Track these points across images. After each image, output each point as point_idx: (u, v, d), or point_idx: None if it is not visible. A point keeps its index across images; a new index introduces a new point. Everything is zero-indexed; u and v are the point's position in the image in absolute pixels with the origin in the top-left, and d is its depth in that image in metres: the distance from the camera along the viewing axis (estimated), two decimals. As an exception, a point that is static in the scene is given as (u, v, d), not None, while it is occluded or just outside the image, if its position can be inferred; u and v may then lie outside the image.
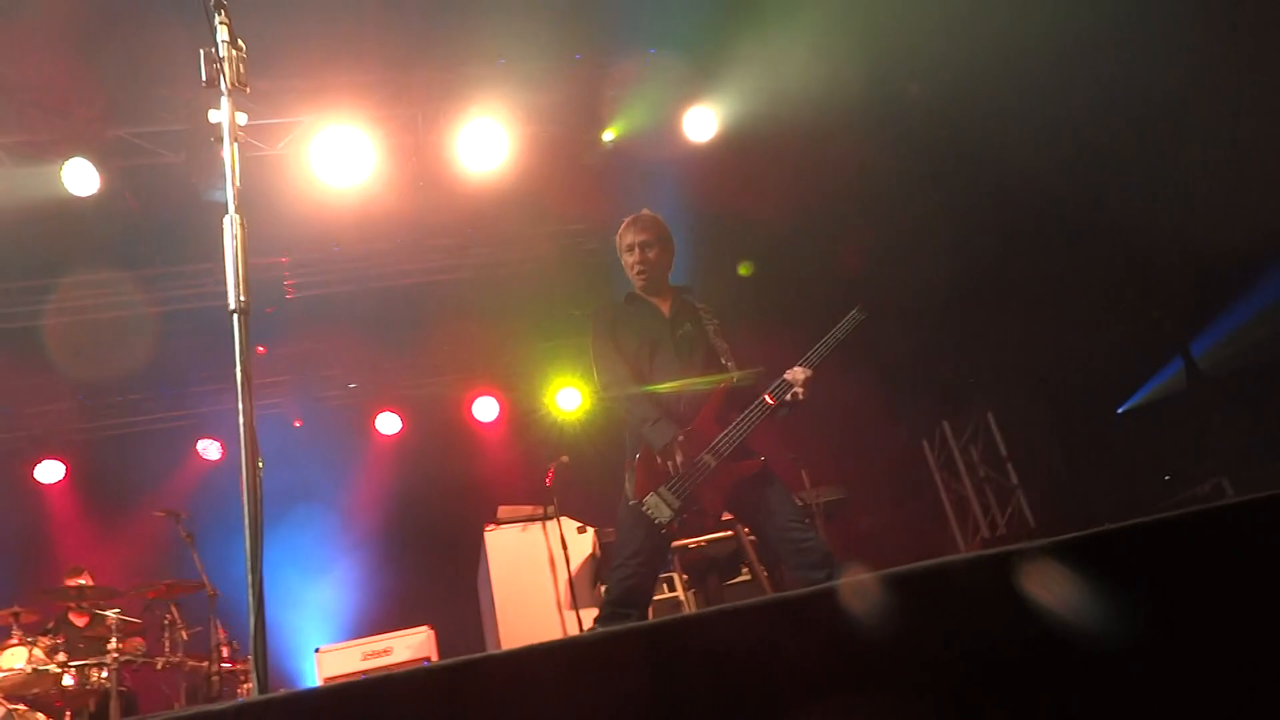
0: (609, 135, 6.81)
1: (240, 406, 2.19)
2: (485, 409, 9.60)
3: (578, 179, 7.23)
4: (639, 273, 3.70)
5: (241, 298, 2.31)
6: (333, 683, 5.73)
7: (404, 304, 8.12)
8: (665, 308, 3.70)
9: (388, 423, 9.35)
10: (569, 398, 9.31)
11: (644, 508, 3.32)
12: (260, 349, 8.45)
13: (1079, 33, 5.52)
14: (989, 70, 5.89)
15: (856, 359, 3.71)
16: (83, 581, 6.19)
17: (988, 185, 6.64)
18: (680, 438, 3.32)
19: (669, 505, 3.32)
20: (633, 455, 3.44)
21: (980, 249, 7.06)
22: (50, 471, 8.62)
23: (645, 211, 3.80)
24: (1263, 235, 5.35)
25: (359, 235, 7.54)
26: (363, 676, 5.96)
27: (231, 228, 2.37)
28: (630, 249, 3.71)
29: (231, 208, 2.40)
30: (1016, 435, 8.09)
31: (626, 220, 3.77)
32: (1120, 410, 6.97)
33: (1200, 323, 5.98)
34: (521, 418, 9.60)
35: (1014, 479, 8.13)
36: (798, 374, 3.46)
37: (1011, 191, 6.51)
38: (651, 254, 3.70)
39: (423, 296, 8.22)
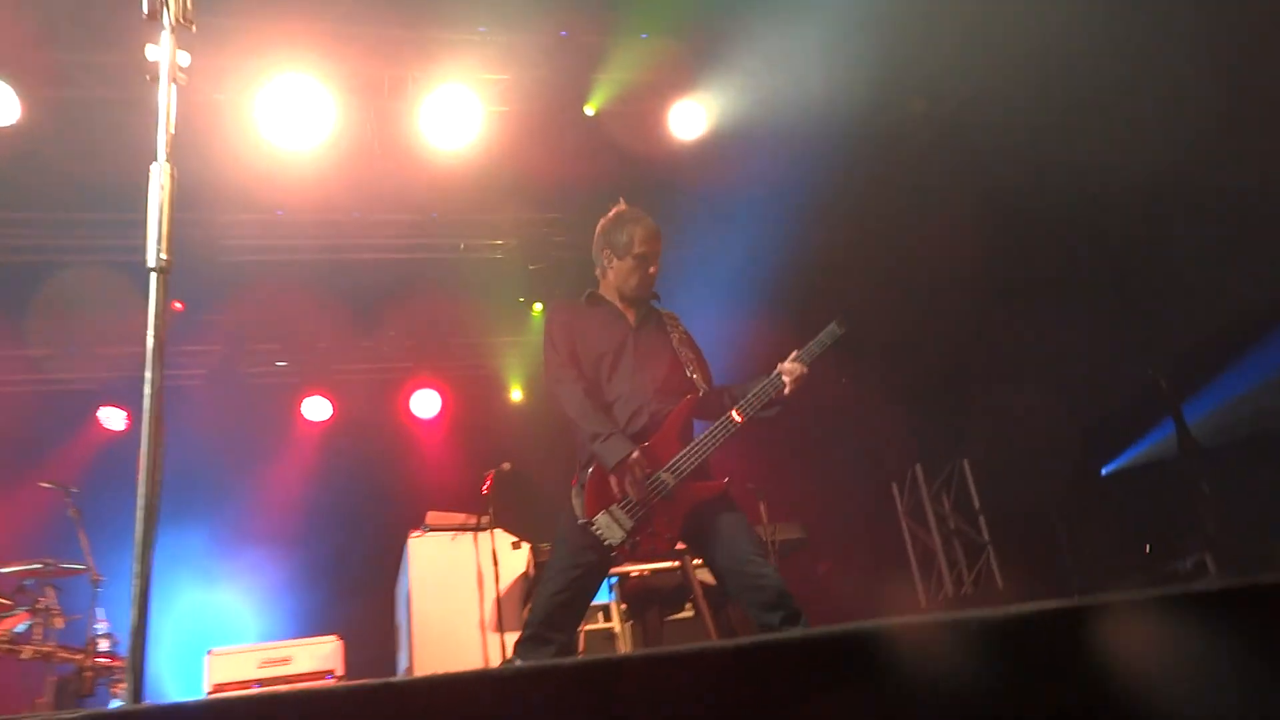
0: (590, 111, 6.80)
1: (149, 375, 2.12)
2: (426, 403, 9.59)
3: (553, 165, 7.24)
4: (641, 284, 3.67)
5: (162, 255, 2.25)
6: (218, 694, 5.71)
7: (348, 281, 8.10)
8: (631, 314, 3.71)
9: (316, 407, 9.28)
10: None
11: (594, 528, 3.32)
12: (177, 304, 8.27)
13: (1102, 69, 5.61)
14: (1002, 94, 5.97)
15: (829, 385, 3.72)
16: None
17: (987, 215, 6.71)
18: (635, 455, 3.31)
19: (621, 526, 3.31)
20: (583, 471, 3.43)
21: (971, 284, 7.13)
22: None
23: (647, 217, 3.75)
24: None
25: (306, 201, 7.45)
26: (256, 687, 5.87)
27: (159, 176, 2.31)
28: (643, 258, 3.66)
29: (162, 155, 2.33)
30: (992, 488, 8.16)
31: (636, 215, 3.71)
32: (1104, 471, 7.04)
33: (1198, 385, 6.06)
34: (464, 416, 9.59)
35: (985, 535, 8.20)
36: (794, 368, 3.47)
37: (1010, 225, 6.57)
38: (656, 269, 3.70)
39: (369, 275, 8.21)
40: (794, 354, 3.54)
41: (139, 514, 2.01)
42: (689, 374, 3.57)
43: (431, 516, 6.50)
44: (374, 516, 8.23)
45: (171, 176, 2.33)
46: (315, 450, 9.25)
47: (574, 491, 3.43)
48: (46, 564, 5.57)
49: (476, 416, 9.52)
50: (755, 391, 3.47)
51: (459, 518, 6.48)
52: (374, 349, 9.49)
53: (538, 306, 9.20)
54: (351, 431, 9.22)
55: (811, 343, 3.54)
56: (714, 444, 3.42)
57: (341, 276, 8.06)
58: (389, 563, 7.06)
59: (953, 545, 8.48)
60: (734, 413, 3.46)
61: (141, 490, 2.03)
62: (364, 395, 9.48)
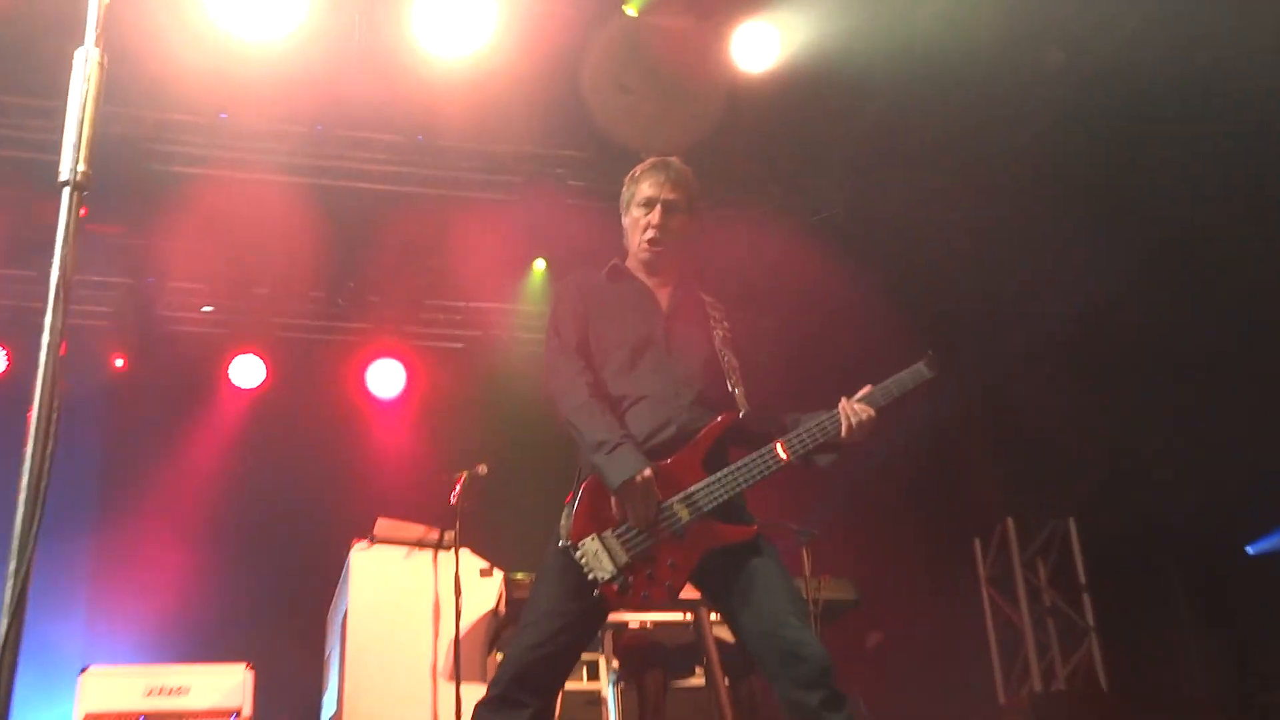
0: (630, 11, 6.79)
1: (49, 320, 2.13)
2: (387, 377, 9.64)
3: (577, 91, 7.22)
4: (651, 241, 3.72)
5: (80, 167, 2.25)
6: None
7: (302, 212, 8.06)
8: (663, 296, 3.73)
9: (247, 370, 9.34)
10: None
11: (578, 553, 3.31)
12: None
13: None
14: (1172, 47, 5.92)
15: (905, 407, 3.71)
16: None
17: (1133, 205, 6.71)
18: (646, 473, 3.29)
19: (613, 559, 3.29)
20: (579, 484, 3.44)
21: (1100, 292, 7.13)
22: None
23: (676, 160, 3.78)
24: None
25: (260, 105, 7.46)
26: (140, 720, 5.91)
27: (85, 67, 2.31)
28: (648, 204, 3.72)
29: (90, 39, 2.33)
30: (1103, 557, 8.17)
31: (649, 162, 3.78)
32: (1251, 550, 7.03)
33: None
34: (435, 399, 9.64)
35: (1090, 618, 8.19)
36: (858, 411, 3.48)
37: (1162, 218, 6.59)
38: (675, 221, 3.72)
39: (330, 206, 8.21)
40: (865, 389, 3.55)
41: (22, 496, 2.01)
42: (730, 386, 3.57)
43: (382, 525, 6.50)
44: (309, 517, 8.26)
45: (101, 66, 2.33)
46: (240, 424, 9.31)
47: (565, 510, 3.43)
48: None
49: (451, 401, 9.54)
50: (808, 427, 3.48)
51: (417, 530, 6.48)
52: (326, 302, 9.52)
53: (539, 264, 9.24)
54: (289, 405, 9.25)
55: (890, 381, 3.56)
56: (747, 481, 3.43)
57: (294, 205, 8.02)
58: (323, 578, 7.09)
59: (1045, 626, 8.48)
60: (779, 446, 3.46)
61: (28, 466, 2.03)
62: (309, 360, 9.53)
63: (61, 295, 2.16)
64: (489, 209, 8.48)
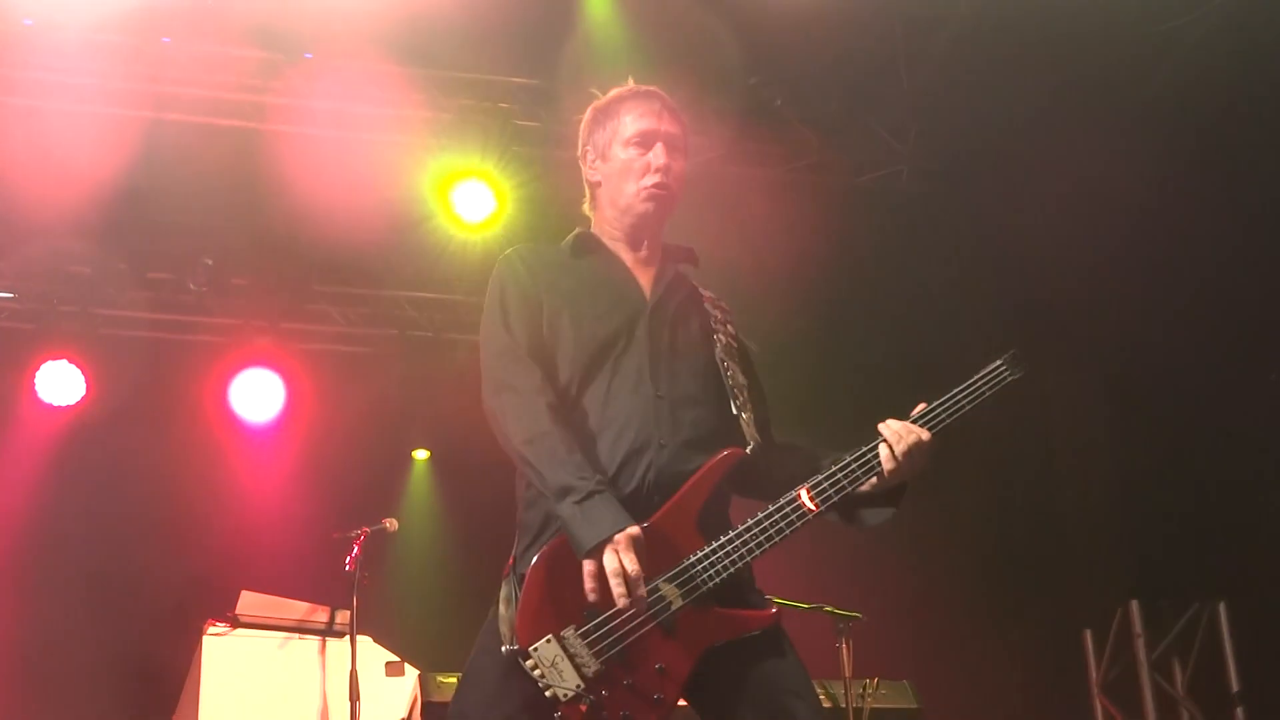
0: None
1: None
2: (257, 393, 9.67)
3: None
4: (658, 186, 3.73)
5: None
6: None
7: (140, 159, 8.06)
8: (646, 278, 3.75)
9: (60, 381, 9.31)
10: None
11: (528, 662, 3.26)
12: None
13: None
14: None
15: (974, 439, 3.72)
16: None
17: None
18: (635, 532, 3.26)
19: (578, 669, 3.26)
20: (527, 551, 3.42)
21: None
22: None
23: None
24: None
25: (83, 10, 7.43)
26: None
27: None
28: (643, 140, 3.74)
29: None
30: (1266, 656, 8.11)
31: (629, 89, 3.83)
32: None
33: None
34: (325, 425, 9.67)
35: (1247, 734, 8.18)
36: (907, 433, 3.43)
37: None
38: (678, 163, 3.75)
39: (182, 153, 8.19)
40: (921, 407, 3.53)
41: None
42: (735, 408, 3.59)
43: (248, 601, 6.53)
44: (145, 587, 8.32)
45: None
46: (52, 454, 9.28)
47: (503, 590, 3.42)
48: None
49: (349, 428, 9.56)
50: (842, 467, 3.46)
51: (297, 608, 6.54)
52: (174, 288, 9.51)
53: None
54: (120, 429, 9.25)
55: (958, 391, 3.54)
56: (761, 545, 3.41)
57: (130, 150, 8.00)
58: (164, 673, 7.15)
59: None
60: (803, 493, 3.43)
61: None
62: (148, 369, 9.51)
63: None
64: (406, 157, 8.52)
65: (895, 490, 3.47)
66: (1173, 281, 7.82)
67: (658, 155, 3.70)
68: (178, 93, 8.01)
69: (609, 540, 3.22)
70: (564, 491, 3.28)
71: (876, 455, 3.43)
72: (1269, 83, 6.91)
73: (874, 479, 3.44)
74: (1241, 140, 7.22)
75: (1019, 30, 7.21)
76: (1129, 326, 8.12)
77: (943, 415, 3.48)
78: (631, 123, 3.75)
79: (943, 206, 8.36)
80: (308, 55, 8.05)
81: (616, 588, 3.22)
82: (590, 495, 3.27)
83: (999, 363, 3.53)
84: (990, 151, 8.05)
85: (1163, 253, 7.78)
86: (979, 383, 3.51)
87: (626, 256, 3.76)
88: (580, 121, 3.90)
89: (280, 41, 7.90)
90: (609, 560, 3.22)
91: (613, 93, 3.85)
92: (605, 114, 3.81)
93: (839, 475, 3.42)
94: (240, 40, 7.89)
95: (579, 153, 3.88)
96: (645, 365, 3.55)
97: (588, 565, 3.24)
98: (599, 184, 3.81)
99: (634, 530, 3.25)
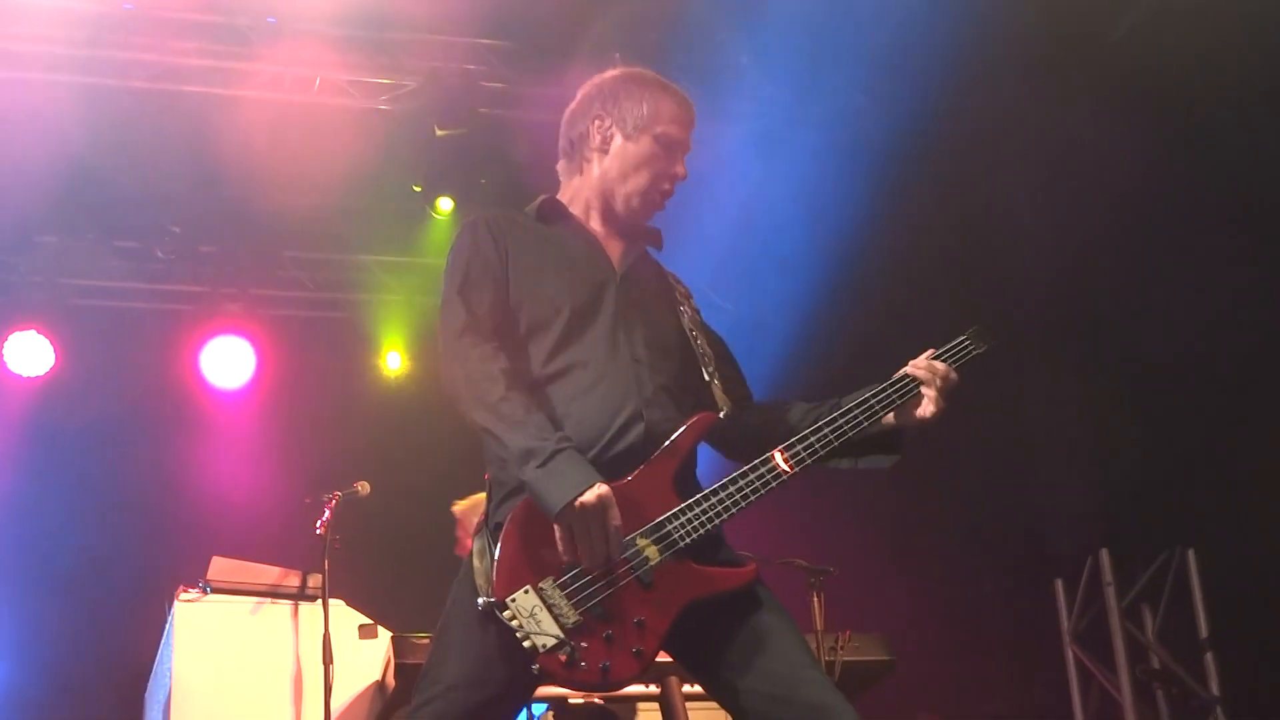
0: None
1: None
2: (227, 360, 9.64)
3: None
4: (650, 194, 3.78)
5: None
6: None
7: (103, 127, 8.03)
8: (614, 250, 3.78)
9: (27, 352, 9.25)
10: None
11: (505, 613, 3.25)
12: None
13: None
14: None
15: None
16: None
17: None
18: (603, 490, 3.27)
19: (557, 619, 3.25)
20: (497, 509, 3.45)
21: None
22: None
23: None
24: None
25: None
26: None
27: None
28: (671, 145, 3.77)
29: None
30: (1235, 602, 8.17)
31: (677, 93, 3.85)
32: None
33: None
34: (295, 391, 9.68)
35: (1215, 685, 8.23)
36: (940, 371, 3.52)
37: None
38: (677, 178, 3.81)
39: (143, 121, 8.19)
40: (929, 353, 3.59)
41: None
42: (706, 374, 3.65)
43: (219, 566, 6.49)
44: (116, 553, 8.31)
45: None
46: (20, 426, 9.24)
47: (476, 544, 3.42)
48: None
49: (318, 393, 9.58)
50: (821, 427, 3.50)
51: (269, 573, 6.51)
52: (142, 256, 9.50)
53: (445, 205, 9.18)
54: (89, 399, 9.20)
55: (942, 350, 3.60)
56: (736, 505, 3.44)
57: (92, 119, 7.97)
58: (136, 639, 7.15)
59: (1153, 698, 8.47)
60: (778, 454, 3.47)
61: None
62: (117, 338, 9.49)
63: None
64: (372, 122, 8.50)
65: (895, 436, 3.56)
66: (1146, 231, 7.86)
67: (681, 168, 3.77)
68: (140, 58, 7.95)
69: (579, 499, 3.22)
70: (526, 455, 3.30)
71: (906, 391, 3.51)
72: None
73: (882, 422, 3.51)
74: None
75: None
76: (1097, 280, 8.17)
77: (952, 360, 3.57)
78: (671, 122, 3.76)
79: (915, 163, 8.33)
80: (271, 20, 7.95)
81: (588, 547, 3.25)
82: (553, 455, 3.30)
83: (963, 338, 3.61)
84: (962, 104, 8.02)
85: (1125, 202, 7.85)
86: (944, 355, 3.58)
87: (596, 228, 3.78)
88: (580, 81, 3.89)
89: (244, 6, 7.84)
90: (578, 522, 3.23)
91: (651, 74, 3.87)
92: (645, 92, 3.80)
93: (812, 439, 3.47)
94: (200, 7, 7.83)
95: (585, 109, 3.84)
96: (620, 332, 3.59)
97: (559, 528, 3.26)
98: (607, 153, 3.79)
99: (602, 488, 3.25)
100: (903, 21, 7.52)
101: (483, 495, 6.40)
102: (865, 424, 3.49)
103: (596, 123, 3.80)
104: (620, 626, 3.29)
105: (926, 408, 3.46)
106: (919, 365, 3.51)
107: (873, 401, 3.49)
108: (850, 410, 3.49)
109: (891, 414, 3.51)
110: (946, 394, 3.49)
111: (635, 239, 3.83)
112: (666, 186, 3.77)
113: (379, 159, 8.67)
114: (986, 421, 7.45)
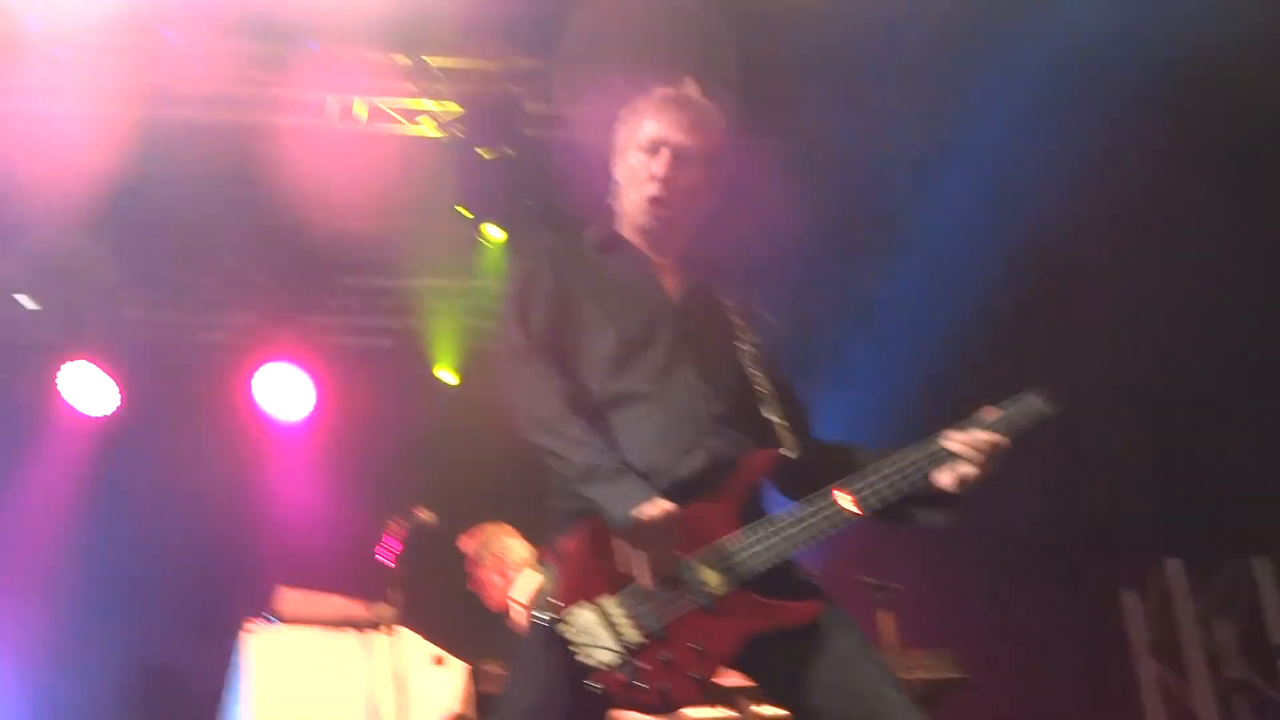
0: None
1: None
2: (285, 390, 9.64)
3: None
4: (654, 200, 3.77)
5: None
6: None
7: (153, 160, 8.01)
8: (671, 280, 3.81)
9: (88, 387, 9.25)
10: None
11: (563, 627, 3.28)
12: None
13: None
14: None
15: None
16: None
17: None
18: (668, 505, 3.30)
19: (617, 637, 3.28)
20: (560, 529, 3.46)
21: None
22: None
23: (697, 90, 3.87)
24: None
25: (80, 8, 7.39)
26: None
27: None
28: (652, 147, 3.76)
29: None
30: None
31: (661, 93, 3.87)
32: None
33: None
34: (355, 418, 9.69)
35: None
36: (983, 440, 3.50)
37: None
38: (686, 176, 3.76)
39: (192, 153, 8.14)
40: (989, 411, 3.60)
41: None
42: (764, 410, 3.65)
43: (287, 599, 6.56)
44: (182, 587, 8.37)
45: None
46: (83, 464, 9.23)
47: (545, 572, 3.48)
48: None
49: (377, 419, 9.59)
50: (890, 472, 3.49)
51: (336, 604, 6.57)
52: (194, 288, 9.48)
53: (494, 233, 9.21)
54: (150, 435, 9.25)
55: (1011, 409, 3.60)
56: (804, 541, 3.46)
57: (142, 152, 7.96)
58: (204, 674, 7.16)
59: (1231, 707, 8.43)
60: (840, 495, 3.47)
61: None
62: (176, 372, 9.53)
63: None
64: (416, 146, 8.52)
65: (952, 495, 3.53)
66: (1202, 236, 7.84)
67: (659, 164, 3.74)
68: (180, 87, 7.98)
69: (644, 512, 3.26)
70: (590, 471, 3.35)
71: (938, 458, 3.50)
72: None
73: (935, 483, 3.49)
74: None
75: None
76: (1158, 283, 8.09)
77: (1004, 427, 3.55)
78: (647, 128, 3.79)
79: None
80: (314, 46, 7.98)
81: (650, 562, 3.30)
82: (618, 475, 3.35)
83: (1032, 395, 3.62)
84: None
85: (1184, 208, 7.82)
86: (1015, 415, 3.59)
87: (652, 257, 3.81)
88: (625, 102, 3.92)
89: (283, 31, 7.86)
90: (641, 535, 3.27)
91: (651, 95, 3.90)
92: (632, 114, 3.87)
93: (880, 484, 3.48)
94: (237, 32, 7.85)
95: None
96: (676, 363, 3.62)
97: (624, 539, 3.31)
98: (619, 183, 3.87)
99: (666, 504, 3.29)
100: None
101: (488, 525, 6.38)
102: (918, 479, 3.48)
103: (613, 157, 3.88)
104: (680, 651, 3.29)
105: (960, 477, 3.45)
106: (957, 436, 3.49)
107: (918, 460, 3.50)
108: (910, 462, 3.49)
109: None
110: (984, 465, 3.47)
111: (694, 268, 3.85)
112: (651, 189, 3.74)
113: (425, 183, 8.68)
114: (1046, 433, 7.45)
